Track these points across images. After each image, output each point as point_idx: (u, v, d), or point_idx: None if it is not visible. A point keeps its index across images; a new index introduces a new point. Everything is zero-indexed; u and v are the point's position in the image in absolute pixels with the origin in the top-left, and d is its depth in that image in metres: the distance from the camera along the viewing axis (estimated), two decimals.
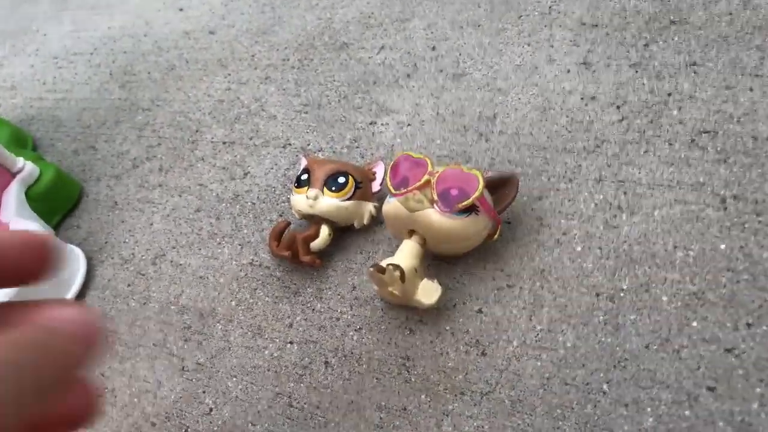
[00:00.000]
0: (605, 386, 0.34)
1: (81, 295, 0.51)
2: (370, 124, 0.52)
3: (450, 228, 0.37)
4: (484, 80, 0.50)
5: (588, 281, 0.38)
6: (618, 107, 0.44)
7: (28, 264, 0.16)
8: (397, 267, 0.36)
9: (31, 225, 0.50)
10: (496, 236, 0.40)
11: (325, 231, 0.44)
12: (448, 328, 0.39)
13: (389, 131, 0.50)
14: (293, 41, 0.62)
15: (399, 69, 0.54)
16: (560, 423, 0.34)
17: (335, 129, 0.53)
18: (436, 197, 0.37)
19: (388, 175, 0.39)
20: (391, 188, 0.38)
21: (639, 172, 0.41)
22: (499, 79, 0.50)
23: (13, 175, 0.55)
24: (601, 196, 0.41)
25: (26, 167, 0.56)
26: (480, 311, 0.39)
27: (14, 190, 0.55)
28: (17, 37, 0.85)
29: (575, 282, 0.38)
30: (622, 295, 0.37)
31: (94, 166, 0.61)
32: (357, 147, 0.51)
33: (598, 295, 0.37)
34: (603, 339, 0.36)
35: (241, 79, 0.61)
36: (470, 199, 0.36)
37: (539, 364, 0.36)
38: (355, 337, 0.41)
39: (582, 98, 0.46)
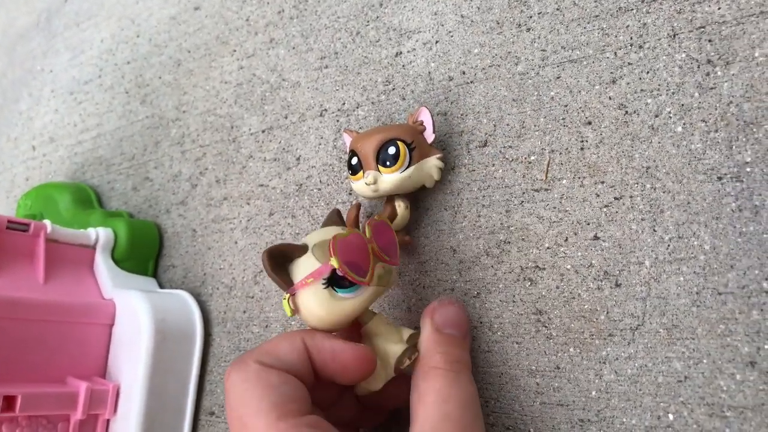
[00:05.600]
0: (765, 284, 0.30)
1: (207, 334, 0.52)
2: (396, 56, 0.46)
3: None
4: None
5: (703, 165, 0.32)
6: None
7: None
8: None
9: (134, 293, 0.51)
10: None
11: (401, 206, 0.40)
12: (569, 267, 0.36)
13: (419, 58, 0.45)
14: None
15: None
16: (728, 339, 0.30)
17: (362, 75, 0.47)
18: (386, 257, 0.35)
19: (336, 260, 0.32)
20: (355, 277, 0.33)
21: (718, 8, 0.33)
22: None
23: (93, 249, 0.56)
24: (683, 55, 0.34)
25: (100, 235, 0.56)
26: (596, 237, 0.35)
27: (101, 263, 0.55)
28: (29, 83, 0.83)
29: (689, 170, 0.33)
30: (748, 170, 0.31)
31: (157, 198, 0.60)
32: (393, 89, 0.45)
33: (720, 178, 0.32)
34: (744, 229, 0.31)
35: (248, 52, 0.56)
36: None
37: (682, 279, 0.32)
38: (477, 305, 0.38)
39: None
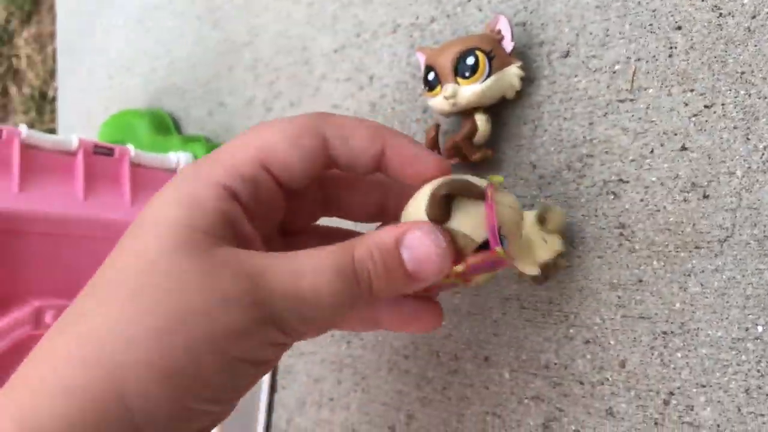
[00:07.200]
0: None
1: None
2: None
3: None
4: None
5: None
6: None
7: None
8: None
9: None
10: None
11: (482, 119, 0.40)
12: (654, 179, 0.35)
13: None
14: None
15: None
16: None
17: None
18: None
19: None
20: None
21: None
22: None
23: (175, 172, 0.57)
24: None
25: (180, 159, 0.57)
26: (684, 148, 0.34)
27: None
28: (100, 14, 0.84)
29: None
30: None
31: (232, 123, 0.61)
32: (469, 1, 0.44)
33: None
34: None
35: None
36: None
37: None
38: None
39: None
